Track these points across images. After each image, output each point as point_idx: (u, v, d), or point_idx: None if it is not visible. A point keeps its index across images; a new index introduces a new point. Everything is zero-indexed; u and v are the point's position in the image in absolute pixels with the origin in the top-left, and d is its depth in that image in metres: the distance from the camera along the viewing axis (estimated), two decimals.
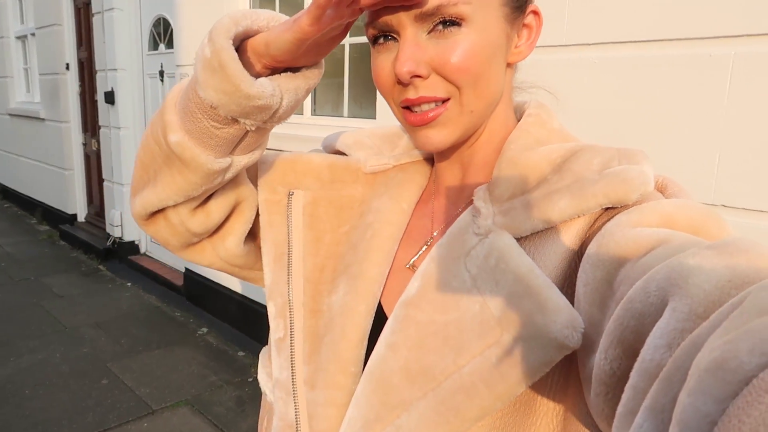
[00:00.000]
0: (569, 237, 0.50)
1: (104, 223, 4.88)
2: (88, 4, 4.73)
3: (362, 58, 2.79)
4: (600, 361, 0.38)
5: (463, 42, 0.50)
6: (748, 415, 0.21)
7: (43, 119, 5.62)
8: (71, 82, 5.23)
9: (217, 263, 0.68)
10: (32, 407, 2.57)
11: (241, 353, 3.18)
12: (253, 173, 0.66)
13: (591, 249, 0.45)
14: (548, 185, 0.51)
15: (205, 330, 3.46)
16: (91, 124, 5.09)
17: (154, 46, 4.19)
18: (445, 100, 0.52)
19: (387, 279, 0.60)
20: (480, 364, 0.47)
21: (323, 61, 0.57)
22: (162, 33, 4.07)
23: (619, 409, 0.32)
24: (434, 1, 0.49)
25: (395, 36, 0.52)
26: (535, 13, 0.56)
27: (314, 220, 0.64)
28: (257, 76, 0.52)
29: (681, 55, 1.44)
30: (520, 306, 0.46)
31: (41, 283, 4.20)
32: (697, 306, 0.30)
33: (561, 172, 0.51)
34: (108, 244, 4.70)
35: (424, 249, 0.60)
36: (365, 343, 0.58)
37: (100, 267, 4.62)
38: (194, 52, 0.52)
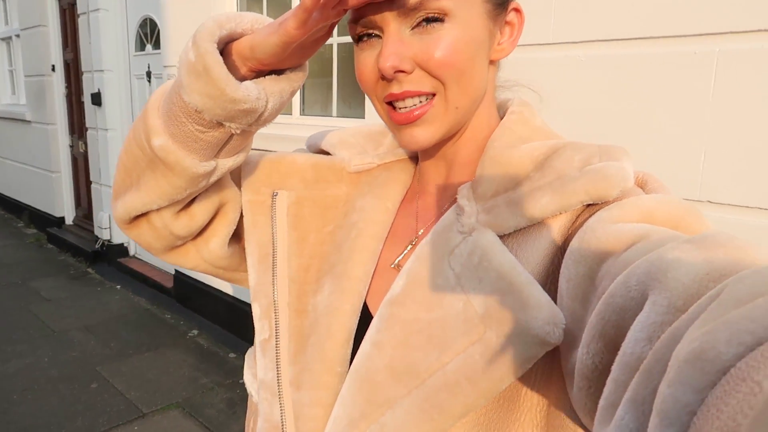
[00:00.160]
0: (552, 233, 0.50)
1: (92, 226, 4.83)
2: (73, 5, 4.68)
3: (351, 57, 2.79)
4: (582, 355, 0.38)
5: (447, 37, 0.50)
6: (726, 404, 0.21)
7: (29, 121, 5.56)
8: (57, 84, 5.18)
9: (202, 266, 0.68)
10: (20, 412, 2.54)
11: (231, 355, 3.16)
12: (236, 174, 0.66)
13: (573, 245, 0.45)
14: (531, 182, 0.51)
15: (195, 332, 3.44)
16: (78, 126, 5.04)
17: (141, 46, 4.15)
18: (430, 97, 0.52)
19: (372, 278, 0.60)
20: (463, 361, 0.47)
21: (307, 62, 0.57)
22: (149, 33, 4.03)
23: (601, 402, 0.33)
24: None
25: (379, 33, 0.52)
26: (517, 10, 0.57)
27: (298, 221, 0.63)
28: (242, 79, 0.51)
29: (666, 52, 1.45)
30: (502, 303, 0.47)
31: (29, 287, 4.15)
32: (676, 299, 0.31)
33: (543, 169, 0.52)
34: (96, 246, 4.66)
35: (409, 248, 0.61)
36: (351, 342, 0.57)
37: (89, 270, 4.57)
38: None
